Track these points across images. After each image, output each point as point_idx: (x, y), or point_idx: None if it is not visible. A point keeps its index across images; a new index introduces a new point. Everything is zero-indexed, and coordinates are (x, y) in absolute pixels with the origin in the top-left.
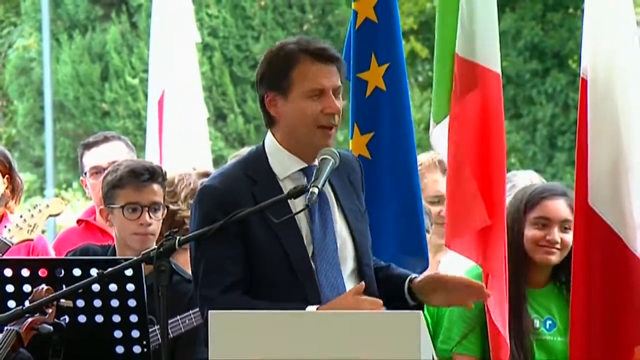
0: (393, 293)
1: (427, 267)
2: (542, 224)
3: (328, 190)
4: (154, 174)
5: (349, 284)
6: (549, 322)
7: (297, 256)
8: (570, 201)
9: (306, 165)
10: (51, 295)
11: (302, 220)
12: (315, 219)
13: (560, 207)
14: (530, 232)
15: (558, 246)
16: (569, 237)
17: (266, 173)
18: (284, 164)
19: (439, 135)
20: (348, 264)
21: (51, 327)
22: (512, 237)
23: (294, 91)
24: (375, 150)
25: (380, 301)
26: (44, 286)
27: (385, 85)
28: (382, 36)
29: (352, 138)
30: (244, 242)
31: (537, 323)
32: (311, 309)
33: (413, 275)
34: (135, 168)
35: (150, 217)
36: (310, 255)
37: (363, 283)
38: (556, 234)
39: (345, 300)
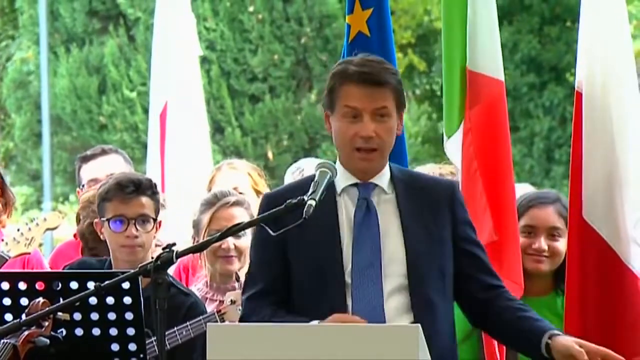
0: (521, 344)
1: None
2: (528, 232)
3: (389, 207)
4: (139, 187)
5: (392, 300)
6: None
7: (331, 269)
8: (561, 209)
9: (359, 181)
10: (48, 308)
11: (345, 234)
12: (358, 234)
13: (548, 215)
14: (520, 240)
15: (546, 254)
16: (558, 244)
17: (329, 185)
18: (341, 178)
19: (453, 149)
20: (393, 280)
21: (48, 340)
22: None
23: (337, 111)
24: None
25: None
26: (40, 299)
27: None
28: (374, 50)
29: None
30: (283, 248)
31: None
32: (314, 323)
33: (554, 332)
34: (122, 181)
35: (137, 229)
36: (349, 269)
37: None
38: (542, 242)
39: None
